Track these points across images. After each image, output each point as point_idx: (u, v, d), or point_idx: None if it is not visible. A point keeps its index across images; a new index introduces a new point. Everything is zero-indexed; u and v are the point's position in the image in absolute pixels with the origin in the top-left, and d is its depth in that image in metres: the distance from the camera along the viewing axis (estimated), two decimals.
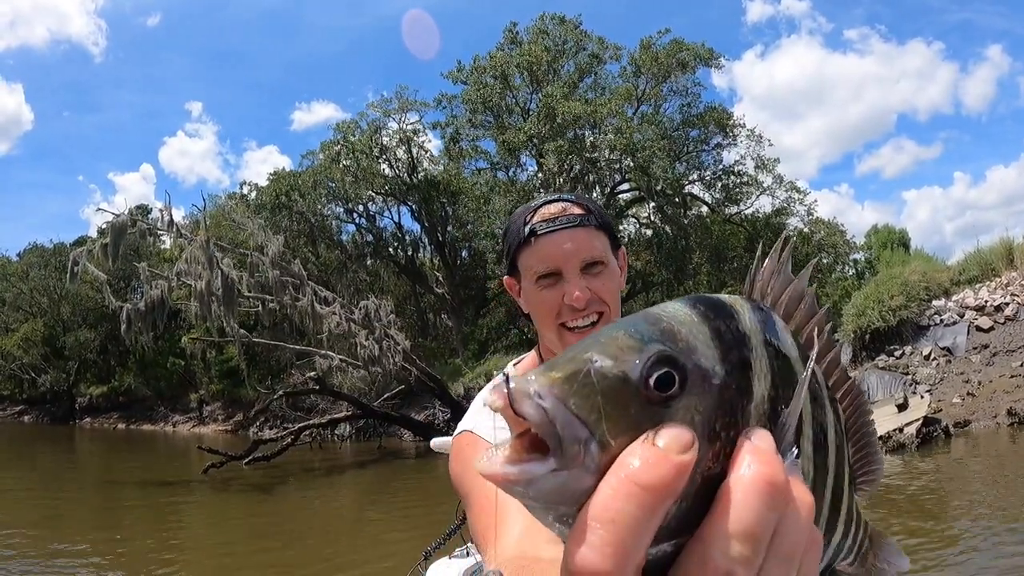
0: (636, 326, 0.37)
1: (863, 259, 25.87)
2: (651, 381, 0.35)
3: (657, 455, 0.33)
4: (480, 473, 0.35)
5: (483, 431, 1.25)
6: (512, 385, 0.35)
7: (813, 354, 0.44)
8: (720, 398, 0.37)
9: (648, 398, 0.35)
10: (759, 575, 0.34)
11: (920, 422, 11.78)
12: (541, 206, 1.32)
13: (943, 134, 63.52)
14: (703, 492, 0.35)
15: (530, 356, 1.45)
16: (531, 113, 22.11)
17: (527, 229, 1.30)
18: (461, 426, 1.33)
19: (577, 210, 1.31)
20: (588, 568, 0.32)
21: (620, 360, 0.36)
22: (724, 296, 0.42)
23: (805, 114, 69.33)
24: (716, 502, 0.35)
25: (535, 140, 21.12)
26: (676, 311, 0.38)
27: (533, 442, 0.35)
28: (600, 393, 0.35)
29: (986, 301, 15.23)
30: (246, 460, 15.45)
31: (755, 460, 0.35)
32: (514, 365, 1.41)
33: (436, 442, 2.68)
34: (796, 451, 0.41)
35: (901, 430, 11.74)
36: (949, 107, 60.47)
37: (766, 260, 0.47)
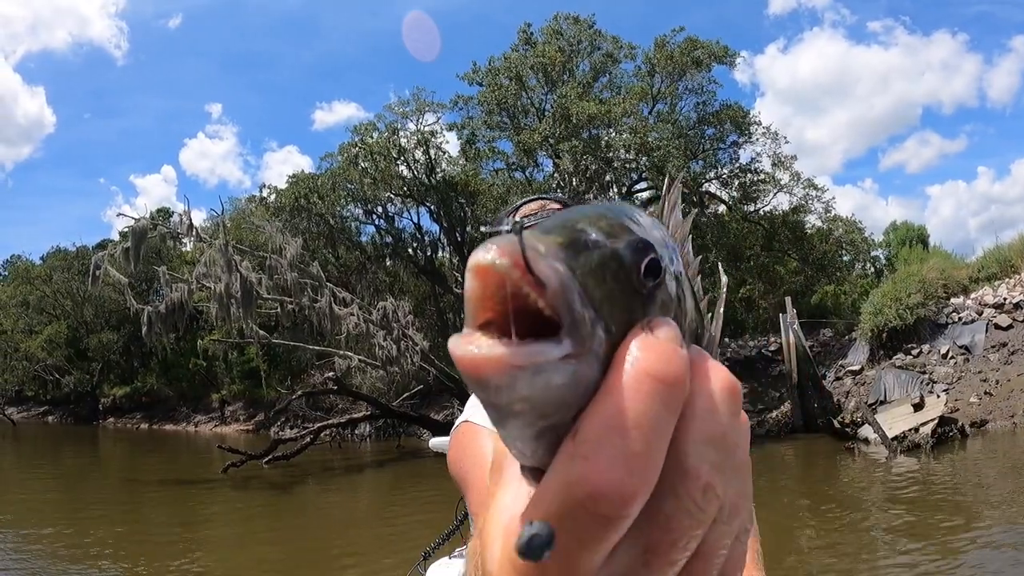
0: (613, 210, 0.34)
1: (883, 256, 25.70)
2: (642, 267, 0.31)
3: (667, 347, 0.30)
4: (468, 358, 0.28)
5: (484, 420, 1.20)
6: (525, 240, 0.29)
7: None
8: (676, 296, 0.35)
9: (640, 283, 0.32)
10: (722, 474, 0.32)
11: (936, 422, 11.72)
12: (522, 205, 1.39)
13: (968, 127, 62.82)
14: None
15: None
16: (546, 114, 22.17)
17: (506, 228, 1.35)
18: (461, 418, 1.31)
19: (556, 207, 1.36)
20: (616, 489, 0.28)
21: (614, 238, 0.32)
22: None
23: (829, 108, 68.66)
24: (686, 410, 0.31)
25: (550, 140, 21.17)
26: (634, 210, 0.36)
27: (529, 319, 0.29)
28: (600, 269, 0.31)
29: (1005, 299, 15.14)
30: (266, 459, 15.65)
31: (715, 371, 0.33)
32: None
33: (435, 442, 2.66)
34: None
35: (916, 430, 11.68)
36: (974, 99, 59.67)
37: (668, 195, 0.46)
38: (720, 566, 0.33)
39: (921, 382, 13.96)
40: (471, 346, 0.28)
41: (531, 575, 0.29)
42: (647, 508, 0.30)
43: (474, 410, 1.29)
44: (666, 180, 0.48)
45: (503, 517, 0.33)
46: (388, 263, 27.80)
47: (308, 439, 17.12)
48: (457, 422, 1.33)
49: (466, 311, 0.30)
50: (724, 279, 0.51)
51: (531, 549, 0.28)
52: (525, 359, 0.28)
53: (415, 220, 27.32)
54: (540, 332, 0.29)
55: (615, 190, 22.15)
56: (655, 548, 0.31)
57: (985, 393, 13.26)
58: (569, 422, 0.29)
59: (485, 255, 0.29)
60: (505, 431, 0.31)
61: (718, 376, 0.33)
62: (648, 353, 0.29)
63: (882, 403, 13.97)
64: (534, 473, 0.32)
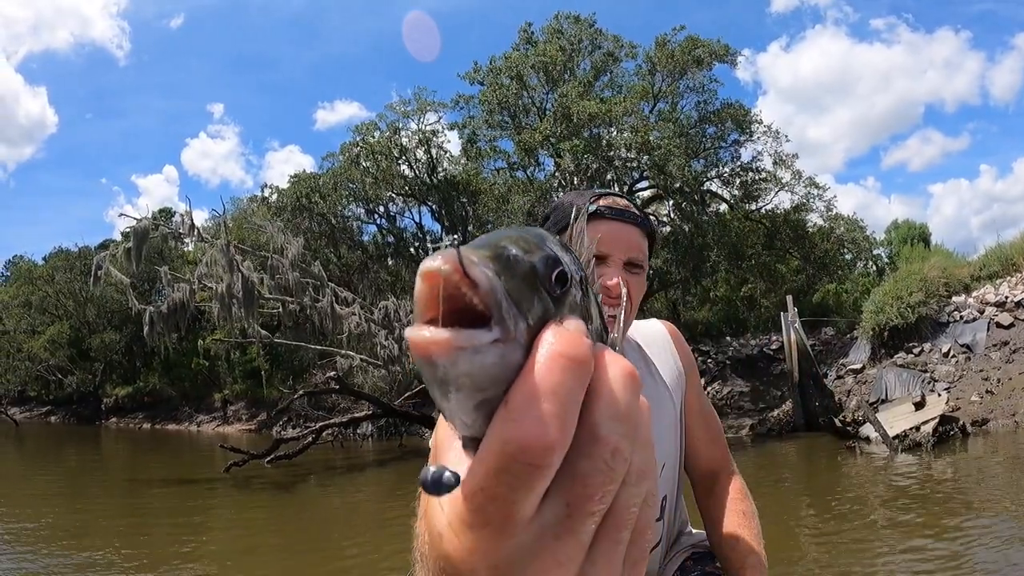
0: (527, 234, 0.42)
1: (885, 255, 25.70)
2: (552, 276, 0.39)
3: (574, 335, 0.37)
4: (421, 341, 0.35)
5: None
6: (462, 251, 0.36)
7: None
8: (581, 302, 0.43)
9: (550, 291, 0.39)
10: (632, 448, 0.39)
11: (936, 421, 11.73)
12: (607, 195, 1.42)
13: (970, 125, 62.83)
14: None
15: None
16: (547, 113, 22.18)
17: (592, 207, 1.38)
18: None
19: (638, 212, 1.42)
20: (540, 442, 0.34)
21: (530, 253, 0.39)
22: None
23: (831, 106, 68.68)
24: (591, 388, 0.38)
25: (551, 140, 21.19)
26: (546, 235, 0.43)
27: (466, 315, 0.36)
28: (520, 277, 0.38)
29: (1006, 297, 15.15)
30: (268, 459, 15.69)
31: (614, 359, 0.40)
32: None
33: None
34: None
35: (917, 428, 11.69)
36: (976, 97, 59.62)
37: (579, 223, 0.54)
38: (631, 524, 0.39)
39: (922, 381, 13.97)
40: (424, 331, 0.35)
41: (476, 522, 0.36)
42: (567, 468, 0.37)
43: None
44: (574, 212, 0.56)
45: None
46: (390, 262, 27.83)
47: (310, 438, 17.16)
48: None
49: (415, 310, 0.37)
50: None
51: (436, 485, 0.36)
52: (465, 341, 0.35)
53: (417, 219, 27.39)
54: (473, 325, 0.36)
55: (616, 189, 22.12)
56: (575, 502, 0.37)
57: (986, 392, 13.27)
58: (501, 395, 0.36)
59: (432, 262, 0.35)
60: (448, 405, 0.38)
61: (618, 364, 0.39)
62: (560, 338, 0.37)
63: (883, 402, 13.99)
64: (473, 443, 0.39)
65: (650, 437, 0.41)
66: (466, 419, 0.38)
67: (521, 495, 0.35)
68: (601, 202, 1.38)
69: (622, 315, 0.59)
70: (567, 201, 1.46)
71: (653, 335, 1.70)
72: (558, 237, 0.48)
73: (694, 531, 1.94)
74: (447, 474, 0.36)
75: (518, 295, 0.37)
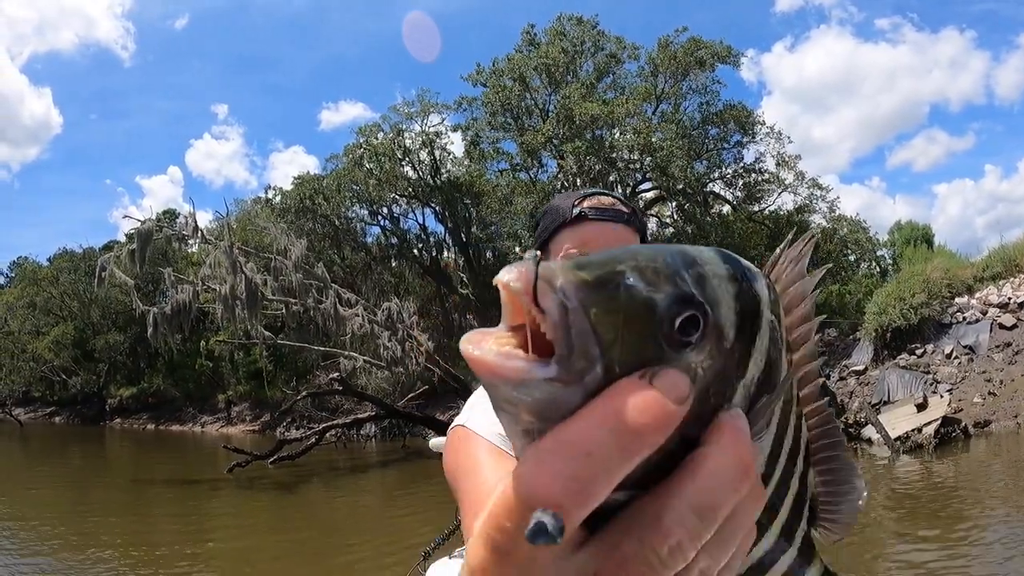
0: (673, 257, 0.35)
1: (888, 256, 25.67)
2: (676, 321, 0.33)
3: (653, 396, 0.32)
4: (468, 356, 0.32)
5: (478, 427, 1.24)
6: (540, 270, 0.32)
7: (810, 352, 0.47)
8: (724, 363, 0.35)
9: (667, 337, 0.33)
10: (699, 551, 0.33)
11: (938, 422, 11.71)
12: (592, 195, 1.40)
13: (975, 125, 62.55)
14: (669, 451, 0.33)
15: None
16: (550, 115, 22.22)
17: (576, 211, 1.36)
18: (457, 420, 1.32)
19: (625, 209, 1.40)
20: (543, 495, 0.31)
21: (653, 287, 0.33)
22: (749, 263, 0.40)
23: (836, 106, 68.34)
24: (685, 467, 0.34)
25: (554, 141, 21.23)
26: (710, 258, 0.36)
27: (534, 340, 0.33)
28: (623, 312, 0.33)
29: (1009, 298, 15.12)
30: (271, 459, 15.74)
31: (737, 440, 0.34)
32: None
33: (435, 442, 2.67)
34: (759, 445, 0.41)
35: (919, 430, 11.68)
36: (981, 97, 59.37)
37: (789, 248, 0.47)
38: None
39: (925, 382, 13.96)
40: (471, 344, 0.33)
41: (487, 543, 0.33)
42: (608, 536, 0.33)
43: (470, 413, 1.31)
44: (792, 233, 0.48)
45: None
46: (393, 264, 27.88)
47: (313, 439, 17.20)
48: (454, 423, 1.33)
49: (502, 311, 0.35)
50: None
51: (535, 534, 0.30)
52: (508, 372, 0.31)
53: (420, 221, 27.45)
54: (544, 350, 0.32)
55: (619, 190, 22.17)
56: None
57: (989, 393, 13.25)
58: (548, 430, 0.32)
59: (507, 274, 0.32)
60: (500, 421, 0.34)
61: (738, 450, 0.34)
62: (625, 397, 0.31)
63: (886, 403, 13.98)
64: None
65: (736, 543, 0.36)
66: (513, 441, 0.35)
67: (521, 541, 0.31)
68: (585, 204, 1.37)
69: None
70: (555, 204, 1.45)
71: None
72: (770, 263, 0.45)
73: None
74: (542, 519, 0.30)
75: (608, 334, 0.32)
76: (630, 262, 0.33)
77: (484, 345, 0.33)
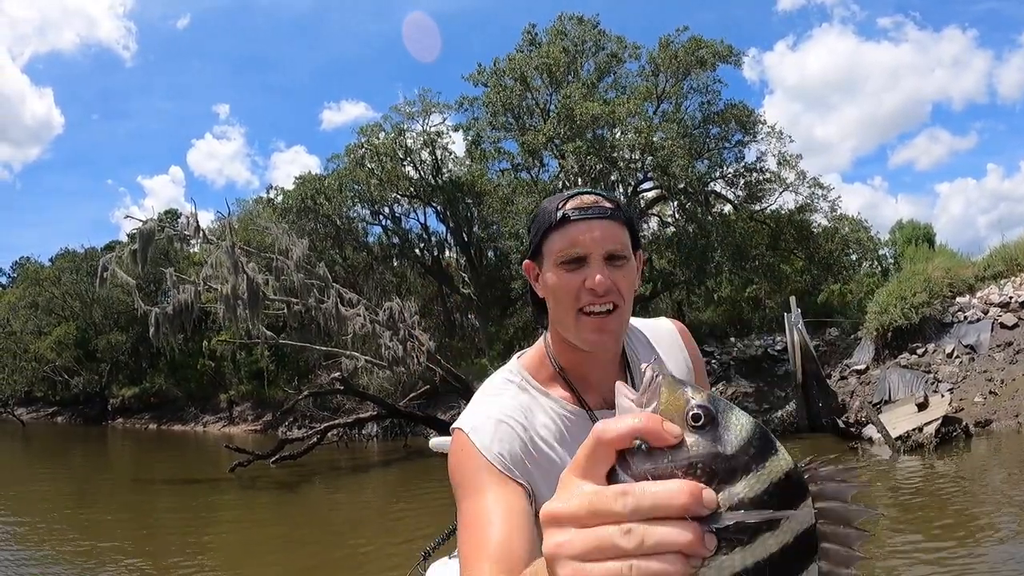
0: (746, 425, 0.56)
1: (889, 255, 25.64)
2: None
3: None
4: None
5: (480, 441, 1.25)
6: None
7: None
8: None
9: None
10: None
11: (939, 421, 11.70)
12: (574, 195, 1.39)
13: (978, 124, 62.49)
14: None
15: (535, 349, 1.46)
16: (551, 114, 22.20)
17: (559, 214, 1.36)
18: (459, 423, 1.32)
19: (608, 204, 1.38)
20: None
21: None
22: (778, 442, 0.56)
23: (838, 105, 68.24)
24: None
25: (555, 141, 21.22)
26: (750, 428, 0.56)
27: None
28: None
29: (1011, 297, 15.12)
30: (272, 459, 15.76)
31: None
32: (518, 358, 1.45)
33: (435, 442, 2.67)
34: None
35: (920, 429, 11.68)
36: (984, 96, 59.29)
37: (840, 467, 0.56)
38: None
39: (926, 381, 13.96)
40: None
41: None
42: None
43: (472, 419, 1.31)
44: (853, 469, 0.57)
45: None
46: (395, 263, 27.90)
47: (315, 439, 17.23)
48: (458, 422, 1.33)
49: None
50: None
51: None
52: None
53: (422, 220, 27.46)
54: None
55: (620, 190, 22.18)
56: None
57: (990, 392, 13.24)
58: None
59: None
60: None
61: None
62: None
63: (887, 403, 13.98)
64: None
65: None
66: None
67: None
68: (568, 206, 1.37)
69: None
70: (542, 208, 1.44)
71: (661, 332, 1.72)
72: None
73: None
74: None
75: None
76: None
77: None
